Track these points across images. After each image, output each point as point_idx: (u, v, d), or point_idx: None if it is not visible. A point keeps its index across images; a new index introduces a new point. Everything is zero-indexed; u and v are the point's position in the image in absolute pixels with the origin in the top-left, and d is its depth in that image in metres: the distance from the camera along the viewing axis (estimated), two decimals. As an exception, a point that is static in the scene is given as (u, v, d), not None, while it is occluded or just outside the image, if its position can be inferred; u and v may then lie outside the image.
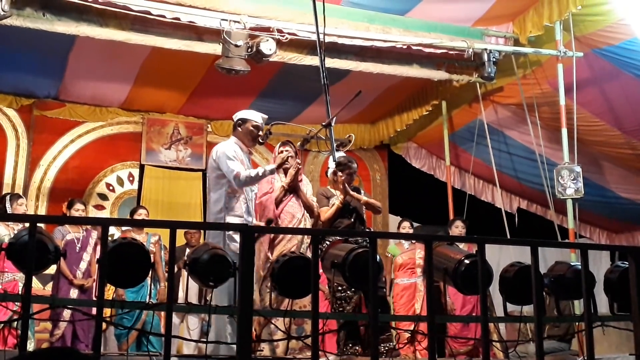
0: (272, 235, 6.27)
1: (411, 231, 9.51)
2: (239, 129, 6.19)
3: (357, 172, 6.67)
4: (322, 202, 6.50)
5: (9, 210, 7.92)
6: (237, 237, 5.62)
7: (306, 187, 6.60)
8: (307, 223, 6.49)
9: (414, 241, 9.09)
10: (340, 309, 6.10)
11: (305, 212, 6.47)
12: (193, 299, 7.60)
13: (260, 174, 5.96)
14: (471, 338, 7.65)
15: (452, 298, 8.17)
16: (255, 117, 6.21)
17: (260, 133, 6.25)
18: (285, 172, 6.43)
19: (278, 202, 6.40)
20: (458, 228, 8.86)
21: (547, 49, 8.91)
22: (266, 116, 6.35)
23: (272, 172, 6.12)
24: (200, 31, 8.08)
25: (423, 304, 8.59)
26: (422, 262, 8.80)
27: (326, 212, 6.41)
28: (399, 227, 9.51)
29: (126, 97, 10.72)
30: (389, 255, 9.06)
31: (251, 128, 6.17)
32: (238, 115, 6.26)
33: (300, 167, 6.42)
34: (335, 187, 6.56)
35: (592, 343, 4.07)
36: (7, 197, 8.19)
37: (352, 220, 6.43)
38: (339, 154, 6.58)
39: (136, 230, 8.41)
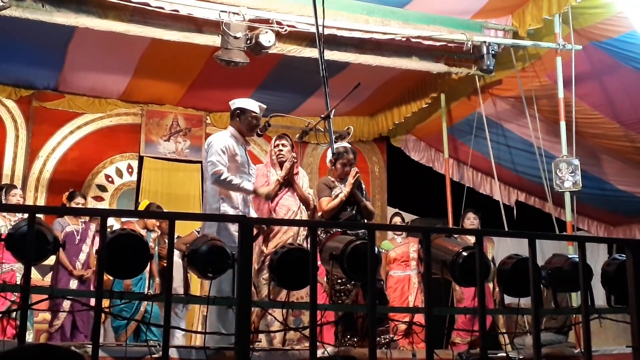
0: (267, 228, 6.27)
1: (403, 227, 9.53)
2: (238, 119, 6.13)
3: (356, 164, 6.62)
4: (324, 192, 6.44)
5: (2, 201, 7.94)
6: (231, 227, 5.66)
7: (302, 179, 6.59)
8: (303, 216, 6.48)
9: (407, 236, 9.11)
10: (339, 301, 6.10)
11: (301, 205, 6.47)
12: (179, 290, 7.68)
13: (239, 186, 5.86)
14: (468, 330, 7.66)
15: (462, 288, 8.18)
16: (254, 106, 6.14)
17: (259, 123, 6.20)
18: (281, 165, 6.44)
19: (273, 196, 6.41)
20: (470, 220, 8.83)
21: (546, 42, 8.90)
22: (264, 106, 6.28)
23: (249, 192, 6.01)
24: (200, 23, 8.08)
25: (417, 297, 8.61)
26: (416, 256, 8.83)
27: (328, 203, 6.36)
28: (390, 222, 9.52)
29: (125, 89, 10.73)
30: (383, 250, 9.06)
31: (250, 118, 6.11)
32: (236, 104, 6.19)
33: (295, 161, 6.41)
34: (335, 177, 6.54)
35: (589, 335, 4.09)
36: (4, 189, 8.20)
37: (354, 212, 6.41)
38: (342, 144, 6.58)
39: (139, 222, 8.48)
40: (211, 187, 5.93)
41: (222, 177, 5.79)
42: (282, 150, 6.48)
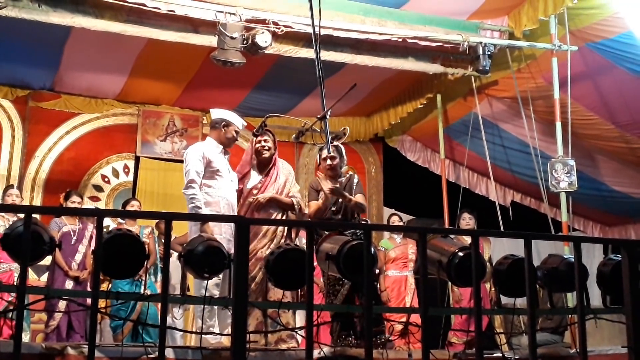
0: None
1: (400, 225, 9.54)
2: (223, 130, 6.27)
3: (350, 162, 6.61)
4: (312, 196, 6.47)
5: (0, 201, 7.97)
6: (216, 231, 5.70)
7: (288, 175, 6.50)
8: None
9: (404, 237, 9.12)
10: (330, 302, 6.12)
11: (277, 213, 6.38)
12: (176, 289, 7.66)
13: (194, 205, 5.90)
14: (465, 330, 7.68)
15: (460, 289, 8.19)
16: (238, 122, 6.34)
17: (237, 139, 6.43)
18: (261, 160, 6.39)
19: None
20: (465, 220, 8.84)
21: (542, 43, 8.91)
22: (245, 123, 6.50)
23: (199, 219, 5.96)
24: (196, 23, 8.08)
25: (414, 297, 8.63)
26: (415, 257, 8.84)
27: (312, 208, 6.40)
28: (388, 222, 9.53)
29: (122, 89, 10.73)
30: (382, 249, 9.09)
31: (233, 133, 6.31)
32: (220, 115, 6.33)
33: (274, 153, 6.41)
34: (325, 175, 6.54)
35: (585, 335, 4.09)
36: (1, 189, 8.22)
37: (341, 216, 6.39)
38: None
39: (129, 222, 8.42)
40: None
41: (193, 190, 5.92)
42: (264, 147, 6.41)
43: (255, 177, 6.37)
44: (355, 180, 6.57)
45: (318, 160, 6.66)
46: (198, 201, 5.90)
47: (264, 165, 6.41)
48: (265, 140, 6.41)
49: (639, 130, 9.46)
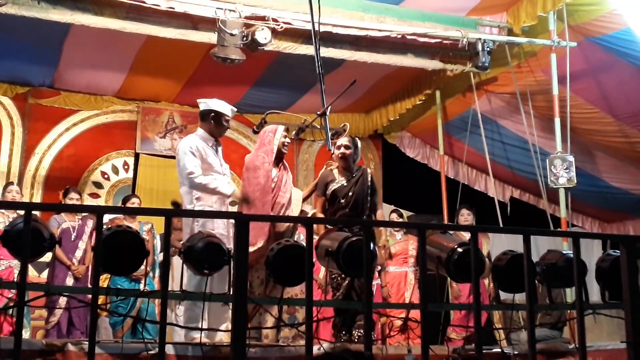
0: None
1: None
2: (212, 121, 6.21)
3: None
4: (320, 190, 6.49)
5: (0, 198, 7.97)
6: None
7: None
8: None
9: (406, 233, 9.14)
10: (334, 296, 6.14)
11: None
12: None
13: (215, 189, 5.95)
14: (464, 326, 7.70)
15: (459, 285, 8.20)
16: (227, 110, 6.26)
17: (229, 126, 6.36)
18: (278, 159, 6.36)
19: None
20: (464, 216, 8.84)
21: (540, 39, 8.92)
22: (235, 109, 6.43)
23: (226, 196, 6.04)
24: (196, 20, 8.09)
25: (413, 293, 8.64)
26: (415, 253, 8.85)
27: (319, 202, 6.43)
28: (389, 219, 9.53)
29: (121, 86, 10.72)
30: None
31: (224, 122, 6.25)
32: (209, 106, 6.25)
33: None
34: (338, 165, 6.55)
35: (584, 331, 4.11)
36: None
37: (349, 209, 6.41)
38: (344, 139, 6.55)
39: (129, 219, 8.42)
40: (185, 190, 6.08)
41: (197, 181, 5.91)
42: (287, 145, 6.41)
43: (274, 171, 6.33)
44: (369, 177, 6.56)
45: (332, 150, 6.61)
46: (212, 183, 5.94)
47: (279, 160, 6.39)
48: (288, 141, 6.41)
49: (638, 123, 9.46)
